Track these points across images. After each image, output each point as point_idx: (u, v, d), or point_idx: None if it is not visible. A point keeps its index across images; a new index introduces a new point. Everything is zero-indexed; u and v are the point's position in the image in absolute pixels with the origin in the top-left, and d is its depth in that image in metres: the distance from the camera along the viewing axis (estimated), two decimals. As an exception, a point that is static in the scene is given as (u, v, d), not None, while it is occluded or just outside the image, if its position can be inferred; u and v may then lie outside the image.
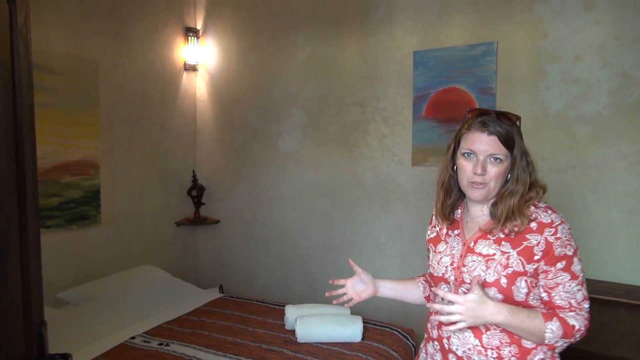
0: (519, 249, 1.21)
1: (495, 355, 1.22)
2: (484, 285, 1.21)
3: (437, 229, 1.43)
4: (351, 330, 2.37)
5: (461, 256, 1.29)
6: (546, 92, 2.63)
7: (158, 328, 2.56)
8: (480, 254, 1.25)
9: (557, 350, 1.24)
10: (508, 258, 1.21)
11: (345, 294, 1.53)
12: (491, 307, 1.17)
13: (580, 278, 1.21)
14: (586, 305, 1.21)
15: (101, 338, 2.39)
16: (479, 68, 2.81)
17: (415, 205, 3.09)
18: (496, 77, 2.77)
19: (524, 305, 1.22)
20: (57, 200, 2.82)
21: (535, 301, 1.24)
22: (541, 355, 1.23)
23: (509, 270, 1.20)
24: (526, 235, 1.21)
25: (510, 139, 1.22)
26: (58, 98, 2.82)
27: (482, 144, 1.22)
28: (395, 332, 2.53)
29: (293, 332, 2.46)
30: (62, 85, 2.84)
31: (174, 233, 3.79)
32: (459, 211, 1.39)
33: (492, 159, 1.23)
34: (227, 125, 3.85)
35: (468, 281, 1.25)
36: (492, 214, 1.28)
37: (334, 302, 1.57)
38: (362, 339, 2.39)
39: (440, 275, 1.34)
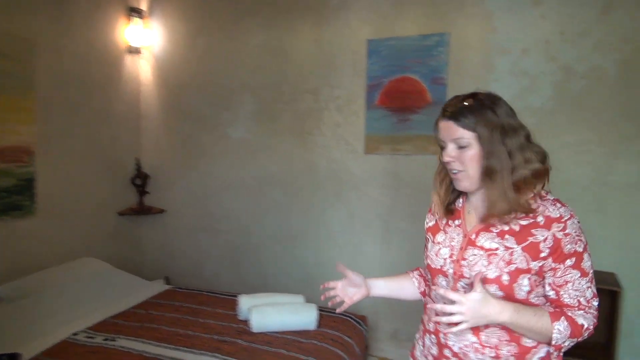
0: (524, 245, 1.12)
1: (493, 354, 1.16)
2: (484, 281, 1.13)
3: (437, 217, 1.34)
4: (306, 318, 2.35)
5: (461, 248, 1.21)
6: (495, 83, 2.72)
7: (103, 323, 2.42)
8: (482, 248, 1.17)
9: (563, 350, 1.17)
10: (512, 254, 1.13)
11: (337, 295, 1.45)
12: (495, 305, 1.10)
13: (590, 275, 1.14)
14: (595, 302, 1.15)
15: (41, 335, 2.23)
16: (431, 58, 2.86)
17: (368, 194, 3.11)
18: (448, 67, 2.82)
19: (525, 303, 1.15)
20: (-13, 189, 2.59)
21: (536, 299, 1.17)
22: (542, 354, 1.17)
23: (512, 267, 1.12)
24: (532, 230, 1.12)
25: (466, 118, 1.12)
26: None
27: (443, 130, 1.17)
28: (349, 319, 2.53)
29: (246, 322, 2.41)
30: (-7, 64, 2.61)
31: (116, 224, 3.60)
32: (461, 200, 1.29)
33: (459, 145, 1.15)
34: (173, 111, 3.70)
35: (467, 275, 1.17)
36: None
37: (330, 303, 1.48)
38: (317, 326, 2.38)
39: (439, 267, 1.26)
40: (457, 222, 1.26)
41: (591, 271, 1.15)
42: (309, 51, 3.21)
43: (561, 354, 1.19)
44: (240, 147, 3.48)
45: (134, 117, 3.74)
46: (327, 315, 2.54)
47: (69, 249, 3.13)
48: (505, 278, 1.12)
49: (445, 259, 1.24)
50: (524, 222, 1.13)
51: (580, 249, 1.12)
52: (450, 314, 1.10)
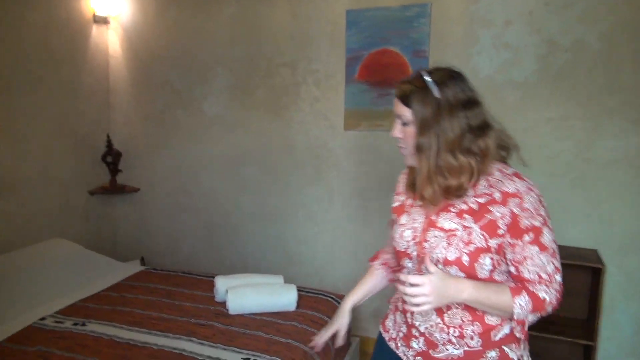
0: (481, 223, 1.12)
1: (457, 333, 1.18)
2: (444, 263, 1.14)
3: (403, 198, 1.34)
4: (286, 299, 2.29)
5: (423, 230, 1.21)
6: (477, 56, 2.64)
7: (72, 307, 2.32)
8: (442, 229, 1.17)
9: (527, 325, 1.16)
10: (470, 234, 1.12)
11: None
12: (454, 284, 1.10)
13: (551, 249, 1.12)
14: (558, 277, 1.13)
15: (5, 322, 2.13)
16: (412, 30, 2.76)
17: (347, 171, 3.04)
18: (429, 40, 2.73)
19: (488, 281, 1.15)
20: (-57, 167, 2.43)
21: (500, 276, 1.17)
22: (506, 331, 1.18)
23: (472, 247, 1.12)
24: (489, 207, 1.12)
25: (407, 96, 1.14)
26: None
27: (395, 106, 1.20)
28: (330, 299, 2.49)
29: (224, 304, 2.34)
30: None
31: (87, 203, 3.46)
32: None
33: (403, 121, 1.18)
34: (145, 85, 3.54)
35: (433, 257, 1.17)
36: None
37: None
38: (297, 307, 2.32)
39: (403, 250, 1.26)
40: (418, 202, 1.25)
41: (553, 245, 1.13)
42: (285, 23, 3.07)
43: (525, 328, 1.18)
44: (215, 122, 3.35)
45: (103, 91, 3.57)
46: (307, 295, 2.48)
47: (36, 230, 3.00)
48: (465, 259, 1.12)
49: (408, 241, 1.24)
50: (481, 200, 1.13)
51: (539, 224, 1.10)
52: (414, 295, 1.08)
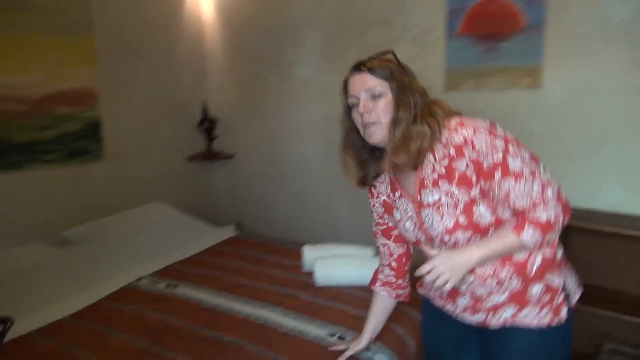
0: (455, 182, 1.15)
1: (495, 282, 1.20)
2: (448, 232, 1.19)
3: (382, 198, 1.37)
4: (369, 272, 2.14)
5: (417, 214, 1.25)
6: (605, 3, 2.21)
7: (167, 269, 2.39)
8: (429, 205, 1.20)
9: (548, 243, 1.19)
10: (452, 196, 1.16)
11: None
12: (458, 255, 1.15)
13: (525, 172, 1.11)
14: (549, 192, 1.12)
15: (106, 280, 2.23)
16: (527, -28, 2.38)
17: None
18: (548, -18, 2.34)
19: (498, 223, 1.17)
20: (53, 134, 2.58)
21: (506, 212, 1.17)
22: (539, 260, 1.19)
23: (461, 207, 1.16)
24: (453, 165, 1.14)
25: (383, 70, 1.19)
26: (42, 19, 2.51)
27: (357, 83, 1.20)
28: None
29: (311, 274, 2.26)
30: (47, 4, 2.52)
31: (185, 169, 3.57)
32: (383, 176, 1.34)
33: (372, 96, 1.19)
34: (238, 52, 3.51)
35: (435, 233, 1.22)
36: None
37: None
38: (387, 282, 2.17)
39: (414, 240, 1.31)
40: (397, 194, 1.30)
41: (526, 168, 1.11)
42: (381, -26, 2.82)
43: (555, 245, 1.22)
44: (306, 87, 3.24)
45: (198, 59, 3.60)
46: (399, 269, 2.32)
47: (138, 194, 3.13)
48: (462, 220, 1.16)
49: (413, 231, 1.29)
50: (444, 162, 1.15)
51: (499, 157, 1.10)
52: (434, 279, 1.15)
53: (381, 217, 1.43)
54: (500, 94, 2.57)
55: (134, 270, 2.35)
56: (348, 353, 1.55)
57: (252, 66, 3.45)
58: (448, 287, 1.14)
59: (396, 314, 1.88)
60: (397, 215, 1.33)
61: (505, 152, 1.10)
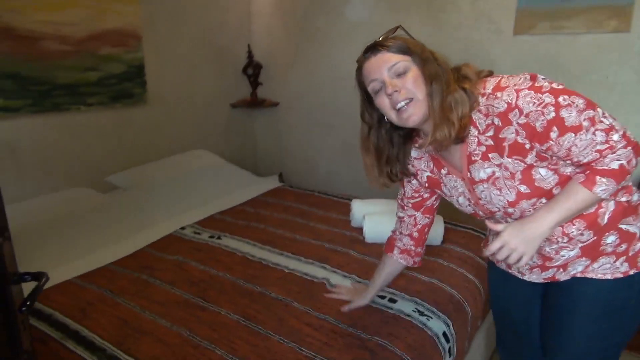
0: (507, 153, 1.04)
1: (565, 239, 1.11)
2: (510, 206, 1.10)
3: (426, 174, 1.26)
4: (430, 232, 1.99)
5: (470, 191, 1.17)
6: None
7: (210, 219, 2.32)
8: (482, 181, 1.11)
9: (621, 188, 1.08)
10: (507, 168, 1.06)
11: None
12: (527, 224, 1.04)
13: (584, 123, 0.96)
14: (615, 136, 0.97)
15: (149, 227, 2.19)
16: None
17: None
18: None
19: (563, 181, 1.05)
20: (96, 75, 2.50)
21: (568, 168, 1.05)
22: (611, 207, 1.08)
23: (519, 176, 1.05)
24: (500, 136, 1.04)
25: (400, 46, 1.07)
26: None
27: (376, 65, 1.08)
28: (482, 235, 2.13)
29: (360, 230, 2.14)
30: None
31: (229, 116, 3.46)
32: (420, 151, 1.23)
33: (397, 73, 1.06)
34: (285, -9, 3.28)
35: (496, 208, 1.14)
36: None
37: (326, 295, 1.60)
38: (442, 242, 2.02)
39: (472, 213, 1.23)
40: (443, 171, 1.21)
41: (582, 117, 0.97)
42: None
43: (628, 190, 1.11)
44: (357, 30, 3.00)
45: (244, 0, 3.41)
46: (454, 229, 2.16)
47: (181, 140, 3.06)
48: (523, 189, 1.06)
49: (468, 206, 1.21)
50: (490, 134, 1.06)
51: (552, 114, 0.97)
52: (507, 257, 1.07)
53: (417, 192, 1.34)
54: (580, 38, 2.27)
55: (177, 218, 2.29)
56: (353, 306, 1.51)
57: (301, 6, 3.22)
58: (523, 262, 1.05)
59: (453, 279, 1.75)
60: (446, 191, 1.25)
61: (557, 107, 0.96)
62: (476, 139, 1.08)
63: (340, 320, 1.48)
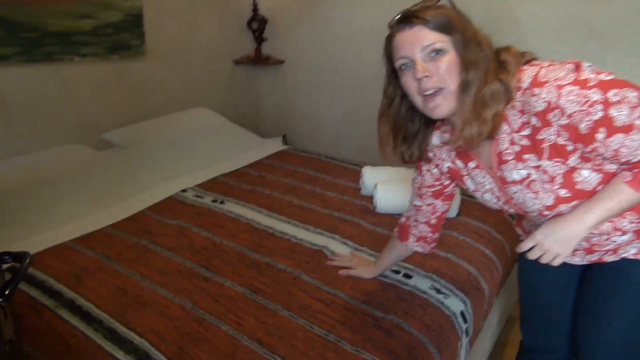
0: (547, 155, 0.93)
1: (618, 233, 1.03)
2: (547, 209, 1.00)
3: (446, 164, 1.15)
4: (445, 204, 1.89)
5: (500, 189, 1.07)
6: None
7: (213, 181, 2.20)
8: (514, 182, 1.01)
9: None
10: (545, 171, 0.95)
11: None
12: (564, 223, 0.95)
13: (637, 121, 0.83)
14: None
15: (148, 188, 2.08)
16: None
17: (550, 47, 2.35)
18: None
19: (606, 179, 0.94)
20: (91, 24, 2.32)
21: (614, 165, 0.93)
22: None
23: (559, 180, 0.95)
24: (538, 138, 0.92)
25: (441, 20, 0.92)
26: None
27: (409, 41, 0.94)
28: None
29: (370, 199, 2.03)
30: None
31: (231, 73, 3.29)
32: (436, 138, 1.13)
33: (431, 54, 0.92)
34: (294, -62, 3.05)
35: (530, 210, 1.04)
36: None
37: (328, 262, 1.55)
38: (457, 214, 1.92)
39: (498, 209, 1.14)
40: (471, 164, 1.09)
41: (634, 116, 0.83)
42: None
43: None
44: (372, -17, 2.80)
45: (250, -54, 3.18)
46: (471, 201, 2.05)
47: (181, 97, 2.91)
48: (563, 193, 0.96)
49: (495, 203, 1.12)
50: (525, 133, 0.94)
51: (599, 114, 0.84)
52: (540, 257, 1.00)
53: (437, 180, 1.23)
54: (615, -1, 2.11)
55: (177, 180, 2.17)
56: (354, 274, 1.48)
57: (310, -43, 3.01)
58: (557, 262, 0.98)
59: (469, 254, 1.66)
60: (470, 185, 1.14)
61: (606, 105, 0.83)
62: (508, 138, 0.97)
63: (352, 296, 1.39)
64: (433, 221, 1.31)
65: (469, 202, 2.02)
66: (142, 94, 2.66)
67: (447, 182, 1.23)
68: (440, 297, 1.42)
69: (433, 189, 1.25)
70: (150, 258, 1.56)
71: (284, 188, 2.15)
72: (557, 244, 0.96)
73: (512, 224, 1.36)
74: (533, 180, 0.98)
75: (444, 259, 1.61)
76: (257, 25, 3.25)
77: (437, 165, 1.19)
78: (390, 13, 2.63)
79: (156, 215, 1.86)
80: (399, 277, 1.50)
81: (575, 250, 1.12)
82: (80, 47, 2.29)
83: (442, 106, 0.95)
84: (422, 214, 1.31)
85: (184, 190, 2.07)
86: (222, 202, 1.98)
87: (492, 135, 0.96)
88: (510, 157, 0.98)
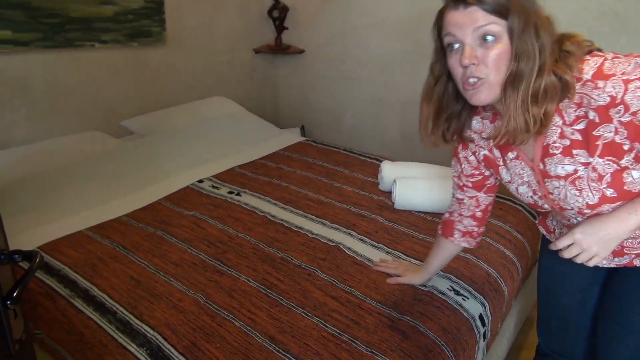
0: (600, 153, 0.88)
1: None
2: (589, 208, 0.95)
3: (483, 152, 1.11)
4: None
5: (539, 183, 1.02)
6: None
7: (229, 172, 2.19)
8: (558, 177, 0.96)
9: None
10: (595, 169, 0.90)
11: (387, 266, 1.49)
12: (606, 222, 0.91)
13: None
14: None
15: (165, 178, 2.07)
16: None
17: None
18: None
19: None
20: (112, 10, 2.31)
21: None
22: None
23: (607, 179, 0.90)
24: (594, 133, 0.86)
25: (499, 4, 0.84)
26: None
27: (461, 21, 0.87)
28: (520, 208, 1.98)
29: (389, 194, 1.99)
30: None
31: (251, 62, 3.26)
32: (477, 124, 1.07)
33: (483, 39, 0.86)
34: None
35: (569, 207, 0.99)
36: None
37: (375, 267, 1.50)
38: (478, 213, 1.87)
39: (532, 203, 1.09)
40: (510, 155, 1.05)
41: None
42: None
43: None
44: (396, -27, 2.73)
45: None
46: (491, 199, 2.00)
47: (200, 85, 2.89)
48: (609, 193, 0.91)
49: (530, 197, 1.07)
50: (579, 127, 0.89)
51: None
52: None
53: (476, 169, 1.18)
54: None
55: (194, 170, 2.17)
56: (404, 281, 1.42)
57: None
58: (593, 263, 0.94)
59: (489, 254, 1.62)
60: (505, 175, 1.10)
61: None
62: (559, 130, 0.91)
63: (368, 295, 1.36)
64: (478, 214, 1.26)
65: (490, 201, 1.96)
66: (161, 82, 2.66)
67: (487, 173, 1.18)
68: (459, 298, 1.38)
69: (473, 179, 1.20)
70: (165, 249, 1.55)
71: (300, 181, 2.12)
72: (596, 244, 0.92)
73: (535, 223, 1.32)
74: (579, 177, 0.93)
75: (463, 260, 1.57)
76: (278, 13, 3.21)
77: (474, 153, 1.15)
78: (412, 3, 2.59)
79: (172, 206, 1.85)
80: (417, 277, 1.46)
81: None
82: (101, 33, 2.28)
83: (484, 94, 0.90)
84: (465, 208, 1.26)
85: (200, 181, 2.06)
86: (238, 194, 1.96)
87: (541, 132, 0.90)
88: (558, 151, 0.94)
